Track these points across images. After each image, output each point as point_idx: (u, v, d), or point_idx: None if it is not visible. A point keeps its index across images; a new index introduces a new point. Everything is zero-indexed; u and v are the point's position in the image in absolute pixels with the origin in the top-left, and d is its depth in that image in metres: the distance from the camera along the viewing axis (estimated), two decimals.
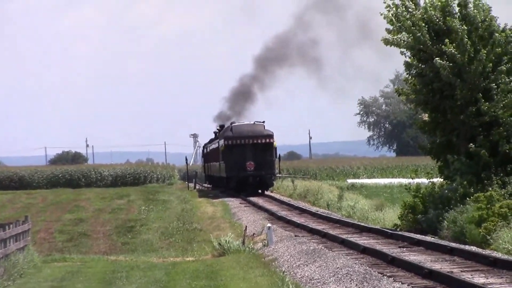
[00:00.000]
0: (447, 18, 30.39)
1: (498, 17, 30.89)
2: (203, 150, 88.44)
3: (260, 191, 57.63)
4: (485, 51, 29.87)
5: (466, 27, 30.07)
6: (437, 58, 29.78)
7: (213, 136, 73.16)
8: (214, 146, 67.35)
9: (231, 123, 60.97)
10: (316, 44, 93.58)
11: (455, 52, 29.75)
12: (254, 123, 59.13)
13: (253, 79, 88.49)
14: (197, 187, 74.93)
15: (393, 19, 31.01)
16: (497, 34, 30.21)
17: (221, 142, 58.95)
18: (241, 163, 56.40)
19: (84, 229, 41.35)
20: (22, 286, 20.60)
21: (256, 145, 56.72)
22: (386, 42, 31.05)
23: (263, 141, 56.79)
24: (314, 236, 28.14)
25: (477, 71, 29.85)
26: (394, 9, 31.08)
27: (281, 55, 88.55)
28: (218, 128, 70.13)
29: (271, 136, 57.22)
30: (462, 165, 30.14)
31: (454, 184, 29.70)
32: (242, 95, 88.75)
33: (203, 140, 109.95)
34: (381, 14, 31.20)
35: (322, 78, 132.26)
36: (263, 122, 58.69)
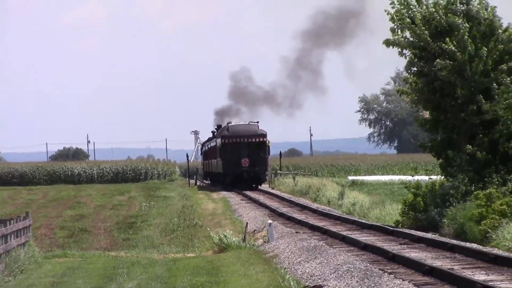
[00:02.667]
0: (449, 15, 30.28)
1: (502, 18, 30.84)
2: (202, 148, 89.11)
3: (254, 185, 60.76)
4: (486, 49, 29.77)
5: (468, 25, 29.97)
6: (438, 60, 29.69)
7: (211, 135, 75.23)
8: (212, 144, 70.09)
9: (228, 123, 64.59)
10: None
11: (455, 50, 29.66)
12: (249, 123, 63.30)
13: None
14: (198, 183, 75.22)
15: (394, 17, 30.84)
16: (500, 31, 30.15)
17: (218, 140, 62.40)
18: (236, 160, 59.92)
19: (85, 225, 41.42)
20: (23, 282, 20.62)
21: (250, 144, 60.35)
22: (387, 43, 30.92)
23: (257, 140, 60.47)
24: (315, 232, 28.12)
25: (477, 69, 29.76)
26: (398, 5, 30.84)
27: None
28: (215, 127, 72.34)
29: (264, 135, 60.97)
30: (463, 161, 30.15)
31: (456, 182, 29.66)
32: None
33: (204, 137, 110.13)
34: (386, 11, 31.04)
35: None
36: (257, 122, 62.74)
